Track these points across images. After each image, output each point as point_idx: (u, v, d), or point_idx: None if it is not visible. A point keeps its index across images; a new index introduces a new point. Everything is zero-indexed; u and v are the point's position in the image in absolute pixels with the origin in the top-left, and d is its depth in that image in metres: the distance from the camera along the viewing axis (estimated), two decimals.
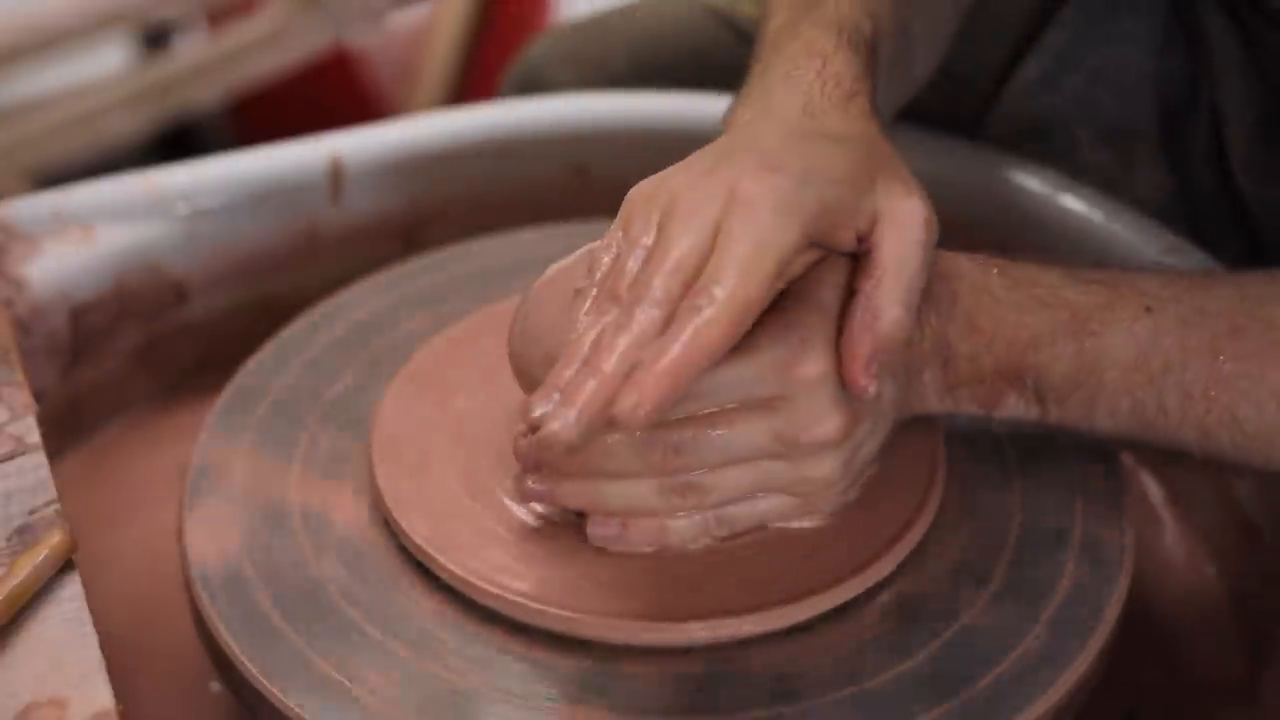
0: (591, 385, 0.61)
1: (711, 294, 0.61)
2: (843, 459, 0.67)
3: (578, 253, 0.71)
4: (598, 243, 0.68)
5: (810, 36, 0.75)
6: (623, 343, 0.62)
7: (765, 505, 0.69)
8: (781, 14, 0.78)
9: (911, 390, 0.70)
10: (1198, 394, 0.68)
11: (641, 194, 0.67)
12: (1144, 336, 0.68)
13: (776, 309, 0.65)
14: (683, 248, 0.63)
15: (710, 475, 0.67)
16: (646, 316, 0.62)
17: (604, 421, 0.61)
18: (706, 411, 0.66)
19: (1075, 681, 0.67)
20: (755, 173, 0.65)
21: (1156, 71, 0.97)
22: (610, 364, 0.61)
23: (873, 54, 0.76)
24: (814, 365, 0.64)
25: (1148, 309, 0.69)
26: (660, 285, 0.63)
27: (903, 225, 0.66)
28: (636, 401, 0.60)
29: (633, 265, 0.65)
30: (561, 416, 0.61)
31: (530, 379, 0.70)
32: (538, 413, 0.62)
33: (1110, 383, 0.69)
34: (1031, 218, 0.96)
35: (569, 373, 0.62)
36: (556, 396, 0.62)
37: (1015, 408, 0.70)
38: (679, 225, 0.64)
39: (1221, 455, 0.70)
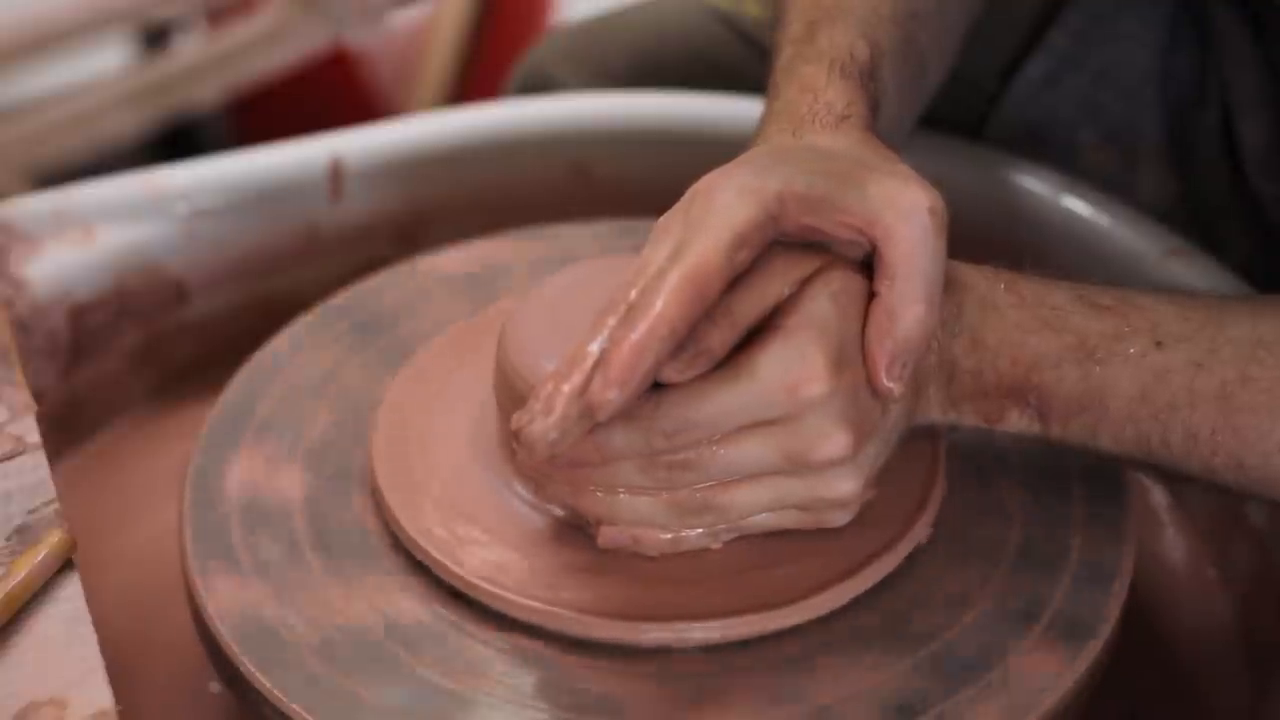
0: (565, 385, 0.62)
1: (669, 275, 0.62)
2: (861, 478, 0.67)
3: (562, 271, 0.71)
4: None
5: (802, 74, 0.75)
6: (594, 341, 0.62)
7: (775, 520, 0.68)
8: (786, 51, 0.79)
9: (917, 404, 0.70)
10: (1203, 436, 0.67)
11: None
12: (1151, 372, 0.68)
13: (773, 327, 0.65)
14: (657, 258, 0.63)
15: (725, 494, 0.66)
16: (615, 316, 0.62)
17: (579, 410, 0.62)
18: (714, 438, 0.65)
19: (1075, 685, 0.66)
20: (719, 172, 0.66)
21: (1162, 71, 0.97)
22: (583, 361, 0.62)
23: (870, 77, 0.76)
24: (816, 385, 0.63)
25: (1158, 343, 0.68)
26: (635, 290, 0.63)
27: (905, 215, 0.65)
28: (604, 382, 0.60)
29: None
30: (540, 416, 0.62)
31: (514, 393, 0.70)
32: (516, 420, 0.63)
33: (1115, 411, 0.68)
34: (1034, 218, 0.96)
35: (549, 386, 0.63)
36: (537, 406, 0.62)
37: (1017, 424, 0.70)
38: (654, 241, 0.65)
39: (1227, 488, 0.69)
